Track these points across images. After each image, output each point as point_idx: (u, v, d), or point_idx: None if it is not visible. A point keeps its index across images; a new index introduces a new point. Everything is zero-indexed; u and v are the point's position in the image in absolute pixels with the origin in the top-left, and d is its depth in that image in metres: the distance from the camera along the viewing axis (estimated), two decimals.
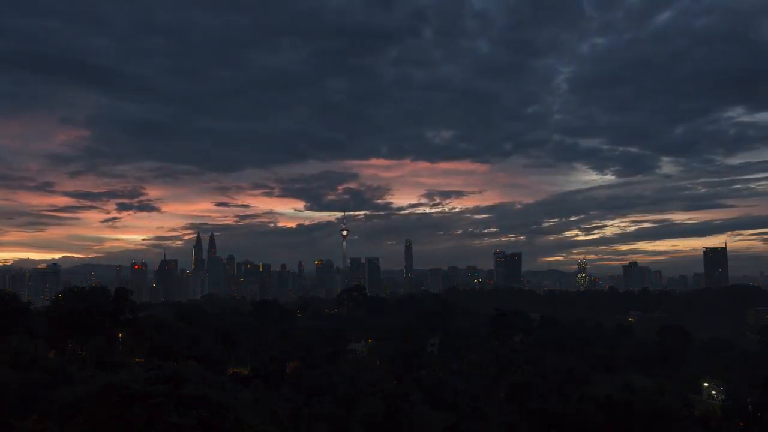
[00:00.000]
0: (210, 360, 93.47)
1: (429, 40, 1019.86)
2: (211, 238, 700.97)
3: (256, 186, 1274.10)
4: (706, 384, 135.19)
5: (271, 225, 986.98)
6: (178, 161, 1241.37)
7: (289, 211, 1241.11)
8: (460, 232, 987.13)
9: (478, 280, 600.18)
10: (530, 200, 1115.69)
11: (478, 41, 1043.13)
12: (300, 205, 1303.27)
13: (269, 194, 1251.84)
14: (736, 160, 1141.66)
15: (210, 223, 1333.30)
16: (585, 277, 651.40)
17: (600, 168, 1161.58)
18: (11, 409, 39.41)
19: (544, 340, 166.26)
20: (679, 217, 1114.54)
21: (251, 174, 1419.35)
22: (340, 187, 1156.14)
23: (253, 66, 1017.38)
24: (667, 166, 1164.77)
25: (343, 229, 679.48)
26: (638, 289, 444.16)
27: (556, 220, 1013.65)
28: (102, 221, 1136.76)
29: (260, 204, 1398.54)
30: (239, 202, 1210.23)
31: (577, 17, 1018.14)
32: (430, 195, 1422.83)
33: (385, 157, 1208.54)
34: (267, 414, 51.49)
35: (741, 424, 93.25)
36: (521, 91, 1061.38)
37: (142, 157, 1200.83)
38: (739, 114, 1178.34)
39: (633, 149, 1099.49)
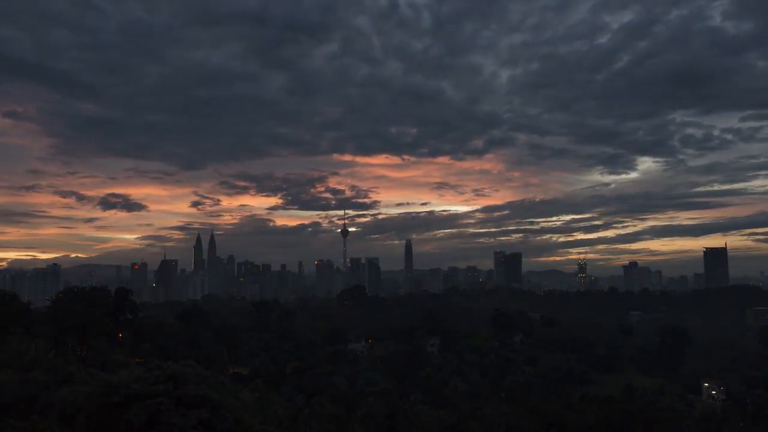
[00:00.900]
0: (210, 360, 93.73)
1: (366, 31, 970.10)
2: (211, 238, 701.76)
3: (228, 185, 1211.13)
4: (706, 384, 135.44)
5: (271, 224, 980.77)
6: (142, 159, 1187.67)
7: (271, 210, 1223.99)
8: (458, 231, 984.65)
9: (478, 280, 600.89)
10: (530, 200, 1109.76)
11: (413, 36, 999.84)
12: (279, 203, 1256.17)
13: (241, 192, 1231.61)
14: (705, 161, 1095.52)
15: (196, 221, 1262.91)
16: (585, 277, 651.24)
17: (588, 167, 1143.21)
18: (11, 409, 39.42)
19: (544, 340, 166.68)
20: (679, 216, 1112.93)
21: (215, 172, 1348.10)
22: (318, 186, 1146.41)
23: (184, 61, 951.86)
24: (652, 165, 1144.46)
25: (344, 230, 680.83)
26: (638, 289, 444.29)
27: (555, 219, 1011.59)
28: (86, 220, 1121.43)
29: (237, 202, 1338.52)
30: (218, 201, 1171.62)
31: (501, 14, 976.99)
32: (423, 193, 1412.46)
33: (353, 153, 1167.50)
34: (267, 414, 51.50)
35: (741, 424, 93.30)
36: (467, 90, 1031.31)
37: (102, 155, 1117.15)
38: (686, 115, 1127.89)
39: (609, 149, 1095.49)
